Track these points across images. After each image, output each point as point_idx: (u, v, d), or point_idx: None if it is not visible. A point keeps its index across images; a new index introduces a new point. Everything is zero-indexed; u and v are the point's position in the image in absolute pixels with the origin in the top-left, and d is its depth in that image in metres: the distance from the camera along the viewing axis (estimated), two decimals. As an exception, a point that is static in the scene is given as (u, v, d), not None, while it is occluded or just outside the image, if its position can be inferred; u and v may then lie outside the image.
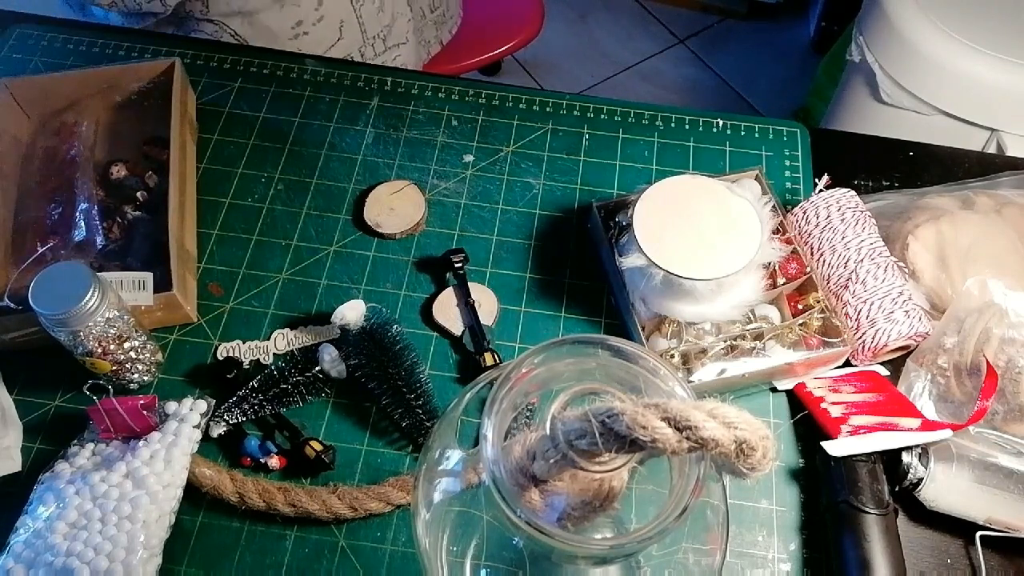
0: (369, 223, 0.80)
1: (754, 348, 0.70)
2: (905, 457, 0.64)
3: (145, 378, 0.71)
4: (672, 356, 0.69)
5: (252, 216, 0.81)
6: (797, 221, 0.76)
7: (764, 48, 2.21)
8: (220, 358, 0.72)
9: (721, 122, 0.89)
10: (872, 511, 0.61)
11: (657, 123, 0.89)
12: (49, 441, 0.68)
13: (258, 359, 0.73)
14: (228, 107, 0.89)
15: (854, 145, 0.90)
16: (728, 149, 0.88)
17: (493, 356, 0.72)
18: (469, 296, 0.75)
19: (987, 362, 0.66)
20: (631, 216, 0.69)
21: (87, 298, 0.60)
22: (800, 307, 0.71)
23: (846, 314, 0.71)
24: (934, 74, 1.25)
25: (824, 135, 0.91)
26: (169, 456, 0.63)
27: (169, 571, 0.62)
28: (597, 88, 2.11)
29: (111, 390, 0.67)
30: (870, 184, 0.85)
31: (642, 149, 0.88)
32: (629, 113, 0.90)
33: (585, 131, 0.89)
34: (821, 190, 0.78)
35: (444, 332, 0.75)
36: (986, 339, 0.68)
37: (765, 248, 0.68)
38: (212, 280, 0.77)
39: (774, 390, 0.72)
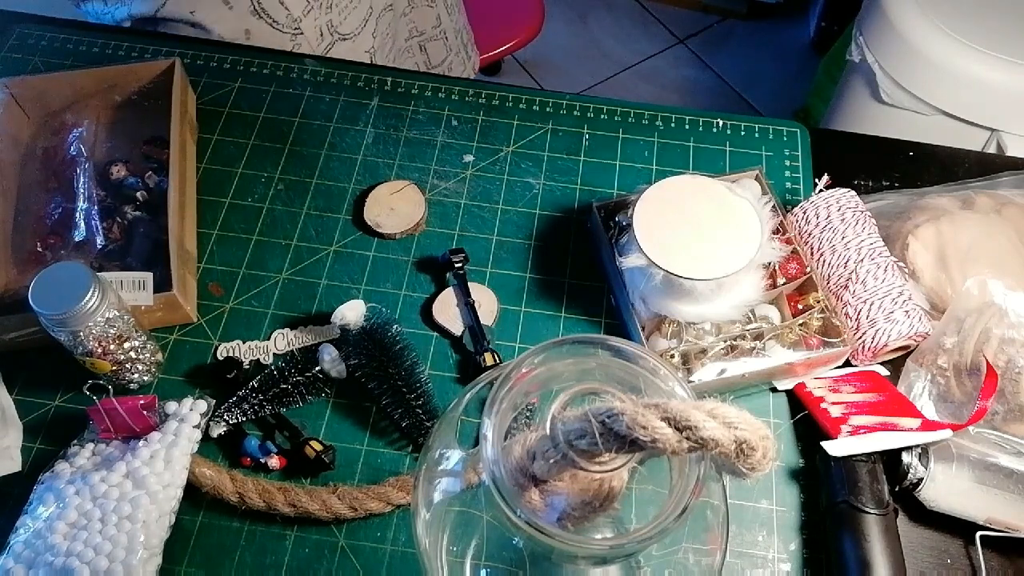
0: (369, 223, 0.80)
1: (754, 348, 0.70)
2: (905, 457, 0.64)
3: (145, 378, 0.71)
4: (672, 356, 0.69)
5: (252, 216, 0.81)
6: (797, 221, 0.76)
7: (764, 48, 2.21)
8: (220, 358, 0.72)
9: (721, 122, 0.90)
10: (872, 511, 0.61)
11: (657, 123, 0.89)
12: (49, 441, 0.68)
13: (258, 359, 0.73)
14: (228, 107, 0.89)
15: (854, 145, 0.90)
16: (728, 149, 0.88)
17: (493, 356, 0.72)
18: (469, 296, 0.75)
19: (987, 362, 0.66)
20: (631, 216, 0.69)
21: (87, 298, 0.60)
22: (800, 307, 0.71)
23: (846, 314, 0.71)
24: (934, 74, 1.25)
25: (824, 135, 0.91)
26: (169, 456, 0.63)
27: (169, 571, 0.62)
28: (597, 88, 2.11)
29: (111, 390, 0.67)
30: (870, 184, 0.85)
31: (642, 149, 0.88)
32: (629, 113, 0.90)
33: (585, 131, 0.89)
34: (821, 190, 0.78)
35: (444, 332, 0.75)
36: (986, 339, 0.68)
37: (765, 248, 0.68)
38: (212, 280, 0.77)
39: (774, 390, 0.72)
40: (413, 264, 0.79)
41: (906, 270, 0.74)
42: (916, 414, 0.66)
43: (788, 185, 0.85)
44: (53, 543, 0.58)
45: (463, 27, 1.29)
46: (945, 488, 0.63)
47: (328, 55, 1.02)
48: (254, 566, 0.64)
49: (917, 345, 0.72)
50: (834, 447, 0.64)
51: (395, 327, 0.71)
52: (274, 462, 0.66)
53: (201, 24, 0.96)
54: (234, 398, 0.69)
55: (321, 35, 1.01)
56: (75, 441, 0.66)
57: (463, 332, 0.74)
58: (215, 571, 0.63)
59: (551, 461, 0.41)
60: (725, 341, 0.69)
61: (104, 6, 0.99)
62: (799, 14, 2.26)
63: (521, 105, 0.90)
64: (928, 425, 0.65)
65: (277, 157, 0.86)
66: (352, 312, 0.71)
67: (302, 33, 0.99)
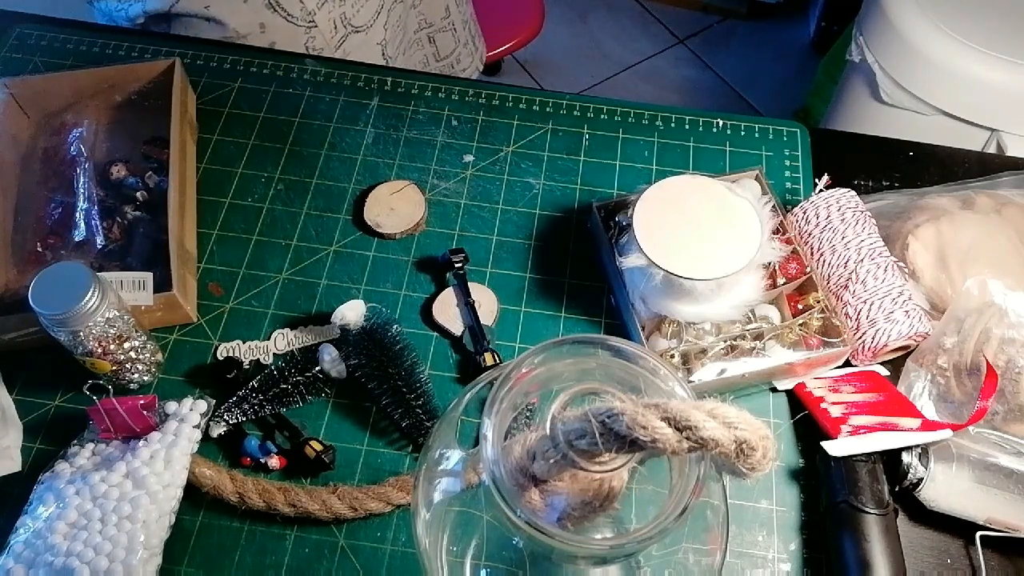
0: (369, 223, 0.80)
1: (754, 348, 0.70)
2: (905, 457, 0.64)
3: (145, 378, 0.71)
4: (672, 356, 0.69)
5: (252, 216, 0.81)
6: (797, 221, 0.76)
7: (764, 48, 2.21)
8: (220, 358, 0.72)
9: (721, 122, 0.89)
10: (872, 511, 0.61)
11: (657, 123, 0.89)
12: (49, 441, 0.68)
13: (258, 359, 0.73)
14: (228, 107, 0.89)
15: (854, 145, 0.90)
16: (728, 149, 0.88)
17: (493, 356, 0.72)
18: (469, 296, 0.75)
19: (987, 362, 0.66)
20: (631, 216, 0.69)
21: (87, 298, 0.60)
22: (800, 307, 0.71)
23: (846, 314, 0.71)
24: (934, 74, 1.25)
25: (824, 135, 0.91)
26: (169, 456, 0.63)
27: (169, 571, 0.62)
28: (597, 88, 2.11)
29: (111, 390, 0.67)
30: (870, 184, 0.85)
31: (642, 149, 0.88)
32: (629, 113, 0.90)
33: (585, 131, 0.89)
34: (821, 190, 0.78)
35: (444, 332, 0.75)
36: (986, 339, 0.68)
37: (765, 248, 0.68)
38: (212, 280, 0.77)
39: (774, 390, 0.72)
40: (413, 264, 0.79)
41: (906, 270, 0.74)
42: (916, 414, 0.66)
43: (788, 185, 0.85)
44: (53, 543, 0.58)
45: (470, 18, 1.29)
46: (945, 488, 0.63)
47: (341, 47, 1.02)
48: (254, 566, 0.64)
49: (917, 345, 0.72)
50: (834, 447, 0.64)
51: (395, 327, 0.71)
52: (274, 462, 0.66)
53: (216, 18, 0.96)
54: (234, 398, 0.69)
55: (335, 28, 1.01)
56: (75, 441, 0.66)
57: (463, 332, 0.74)
58: (215, 571, 0.63)
59: (551, 461, 0.41)
60: (725, 341, 0.69)
61: (118, 3, 0.98)
62: (799, 14, 2.26)
63: (521, 105, 0.90)
64: (928, 425, 0.65)
65: (277, 157, 0.86)
66: (352, 312, 0.71)
67: (316, 26, 1.00)
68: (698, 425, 0.36)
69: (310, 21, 0.99)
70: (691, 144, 0.88)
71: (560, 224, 0.82)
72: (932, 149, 0.89)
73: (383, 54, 1.09)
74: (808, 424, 0.70)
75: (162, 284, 0.70)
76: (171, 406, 0.66)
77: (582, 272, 0.79)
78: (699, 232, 0.68)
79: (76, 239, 0.74)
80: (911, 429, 0.64)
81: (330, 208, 0.82)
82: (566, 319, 0.76)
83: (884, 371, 0.72)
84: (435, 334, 0.75)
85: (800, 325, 0.71)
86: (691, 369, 0.68)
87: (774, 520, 0.66)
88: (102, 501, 0.60)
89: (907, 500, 0.65)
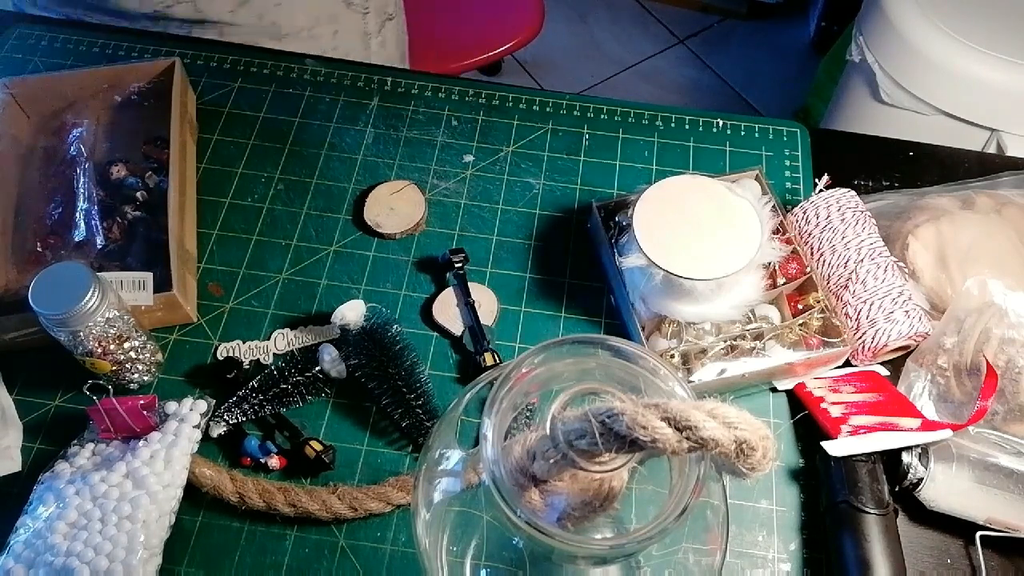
0: (369, 223, 0.80)
1: (754, 348, 0.70)
2: (905, 457, 0.64)
3: (145, 378, 0.71)
4: (672, 356, 0.69)
5: (252, 216, 0.81)
6: (797, 221, 0.76)
7: (764, 48, 2.21)
8: (220, 358, 0.72)
9: (721, 122, 0.89)
10: (872, 511, 0.61)
11: (657, 123, 0.89)
12: (49, 441, 0.68)
13: (258, 359, 0.73)
14: (228, 107, 0.89)
15: (854, 145, 0.90)
16: (728, 149, 0.88)
17: (493, 356, 0.72)
18: (469, 296, 0.75)
19: (987, 362, 0.66)
20: (631, 216, 0.69)
21: (87, 298, 0.60)
22: (800, 307, 0.71)
23: (846, 314, 0.71)
24: (934, 74, 1.25)
25: (824, 135, 0.91)
26: (169, 456, 0.63)
27: (169, 571, 0.62)
28: (597, 88, 2.11)
29: (111, 390, 0.67)
30: (870, 184, 0.85)
31: (642, 149, 0.88)
32: (629, 113, 0.90)
33: (585, 131, 0.89)
34: (821, 190, 0.78)
35: (444, 332, 0.75)
36: (986, 339, 0.68)
37: (765, 248, 0.68)
38: (212, 280, 0.77)
39: (774, 390, 0.72)
40: (413, 264, 0.79)
41: (906, 270, 0.74)
42: (916, 414, 0.66)
43: (788, 185, 0.85)
44: (53, 543, 0.58)
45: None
46: (945, 488, 0.63)
47: (380, 33, 1.08)
48: (254, 566, 0.64)
49: (917, 345, 0.72)
50: (834, 447, 0.64)
51: (395, 327, 0.71)
52: (274, 462, 0.66)
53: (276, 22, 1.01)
54: (234, 398, 0.69)
55: (378, 15, 1.08)
56: (75, 441, 0.66)
57: (463, 332, 0.74)
58: (215, 571, 0.63)
59: (551, 461, 0.41)
60: (725, 341, 0.69)
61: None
62: (799, 14, 2.26)
63: (521, 105, 0.90)
64: (928, 425, 0.65)
65: (277, 157, 0.86)
66: (352, 312, 0.71)
67: (369, 12, 1.06)
68: (698, 425, 0.36)
69: (366, 9, 1.05)
70: (691, 144, 0.88)
71: (560, 224, 0.82)
72: (932, 149, 0.89)
73: (406, 46, 1.15)
74: (808, 424, 0.70)
75: (162, 284, 0.70)
76: (171, 406, 0.66)
77: (582, 272, 0.79)
78: (699, 232, 0.68)
79: (76, 239, 0.74)
80: (911, 429, 0.64)
81: (330, 208, 0.82)
82: (566, 319, 0.76)
83: (884, 371, 0.72)
84: (435, 334, 0.75)
85: (800, 325, 0.71)
86: (691, 369, 0.68)
87: (774, 520, 0.66)
88: (102, 501, 0.60)
89: (907, 500, 0.65)
